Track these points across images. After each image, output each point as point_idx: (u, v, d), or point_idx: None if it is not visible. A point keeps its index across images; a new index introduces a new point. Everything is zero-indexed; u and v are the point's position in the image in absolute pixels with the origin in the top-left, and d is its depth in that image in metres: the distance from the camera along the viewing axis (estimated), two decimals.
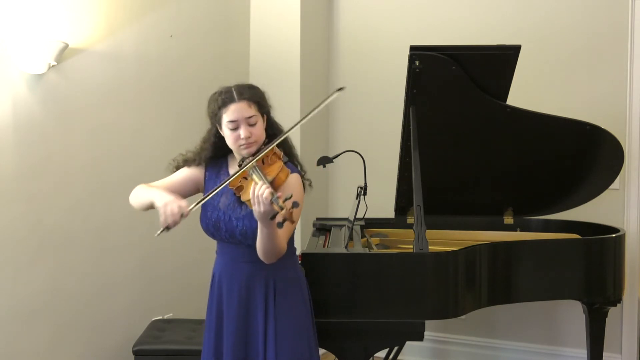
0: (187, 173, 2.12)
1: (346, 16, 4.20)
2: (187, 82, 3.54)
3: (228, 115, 1.96)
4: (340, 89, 2.00)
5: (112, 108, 3.07)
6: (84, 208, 2.94)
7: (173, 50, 3.44)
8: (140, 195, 2.04)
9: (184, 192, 2.10)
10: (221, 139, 2.06)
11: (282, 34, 3.95)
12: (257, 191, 1.74)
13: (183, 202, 1.85)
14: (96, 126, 2.99)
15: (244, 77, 3.92)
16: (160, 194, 1.92)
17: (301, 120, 2.03)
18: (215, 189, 1.92)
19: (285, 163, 2.01)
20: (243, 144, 1.96)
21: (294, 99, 3.86)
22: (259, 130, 1.99)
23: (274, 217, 1.68)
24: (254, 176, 1.88)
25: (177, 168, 2.16)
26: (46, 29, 2.68)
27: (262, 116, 2.03)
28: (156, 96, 3.34)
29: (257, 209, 1.75)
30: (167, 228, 1.81)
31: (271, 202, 1.71)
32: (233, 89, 2.01)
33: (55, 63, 2.68)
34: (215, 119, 2.03)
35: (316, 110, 1.99)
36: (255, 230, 1.93)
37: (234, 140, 1.98)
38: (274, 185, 1.88)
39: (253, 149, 1.97)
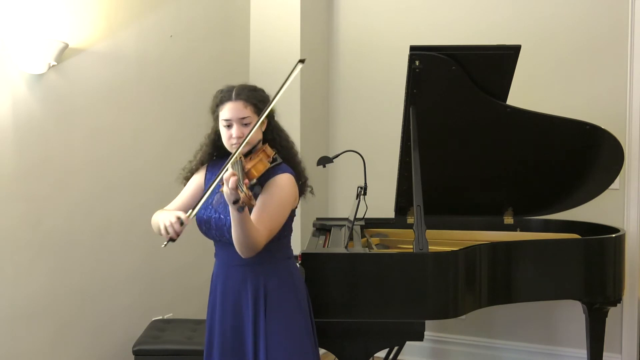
0: (194, 182, 2.15)
1: (346, 16, 4.20)
2: (187, 82, 3.54)
3: (223, 114, 2.01)
4: (300, 61, 1.94)
5: (112, 108, 3.07)
6: (84, 208, 2.94)
7: (173, 50, 3.44)
8: (153, 224, 2.06)
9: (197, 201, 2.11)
10: (220, 136, 2.08)
11: (282, 34, 3.95)
12: (226, 176, 1.74)
13: (179, 212, 1.88)
14: (96, 126, 2.99)
15: (244, 77, 3.92)
16: (161, 213, 1.98)
17: (272, 100, 1.97)
18: (207, 190, 1.92)
19: (278, 164, 2.02)
20: (234, 143, 1.99)
21: (294, 99, 3.86)
22: (253, 132, 1.98)
23: (236, 201, 1.71)
24: (237, 169, 1.89)
25: (187, 178, 2.17)
26: (46, 29, 2.68)
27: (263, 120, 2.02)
28: (156, 96, 3.34)
29: (225, 190, 1.75)
30: (171, 240, 1.87)
31: (236, 188, 1.72)
32: (234, 88, 2.03)
33: (55, 63, 2.68)
34: (213, 115, 2.07)
35: (283, 89, 1.93)
36: None
37: (227, 139, 2.02)
38: (249, 175, 1.88)
39: (245, 149, 1.96)
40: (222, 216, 2.01)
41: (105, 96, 3.03)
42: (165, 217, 1.87)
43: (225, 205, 2.00)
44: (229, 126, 1.99)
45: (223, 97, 2.02)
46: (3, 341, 2.60)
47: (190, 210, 1.91)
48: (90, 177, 2.96)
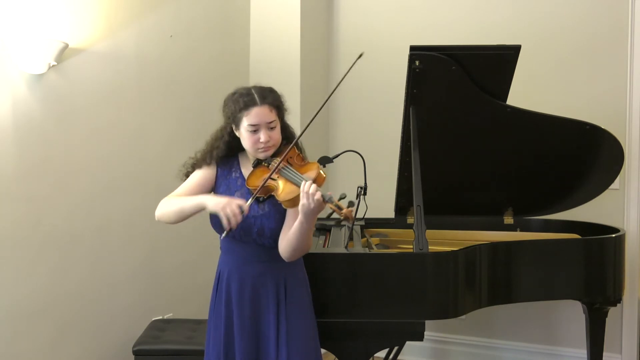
0: (200, 175, 2.11)
1: (346, 16, 4.20)
2: (187, 82, 3.54)
3: (249, 119, 1.96)
4: (360, 56, 2.00)
5: (112, 108, 3.07)
6: (84, 208, 2.94)
7: (173, 50, 3.44)
8: (176, 206, 2.01)
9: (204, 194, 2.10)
10: (235, 138, 2.06)
11: (282, 34, 3.95)
12: (308, 188, 1.77)
13: (239, 200, 1.87)
14: (96, 126, 2.99)
15: (244, 77, 3.92)
16: (209, 198, 1.94)
17: (326, 100, 2.05)
18: (260, 187, 1.91)
19: None
20: (261, 148, 1.98)
21: (294, 99, 3.85)
22: (278, 135, 2.01)
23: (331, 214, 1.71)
24: (288, 175, 1.90)
25: (187, 174, 2.14)
26: (46, 29, 2.68)
27: (280, 120, 2.04)
28: (156, 96, 3.34)
29: (307, 204, 1.77)
30: (232, 229, 1.84)
31: (324, 201, 1.73)
32: (254, 91, 2.00)
33: (55, 63, 2.68)
34: (233, 120, 2.01)
35: (339, 83, 2.02)
36: (273, 230, 1.98)
37: (253, 143, 1.99)
38: (317, 183, 1.87)
39: (270, 152, 1.99)
40: (248, 216, 1.95)
41: (105, 96, 3.03)
42: (226, 205, 1.83)
43: (252, 205, 1.94)
44: (256, 131, 1.97)
45: (247, 101, 1.97)
46: (3, 341, 2.60)
47: (250, 199, 1.88)
48: (90, 177, 2.96)
